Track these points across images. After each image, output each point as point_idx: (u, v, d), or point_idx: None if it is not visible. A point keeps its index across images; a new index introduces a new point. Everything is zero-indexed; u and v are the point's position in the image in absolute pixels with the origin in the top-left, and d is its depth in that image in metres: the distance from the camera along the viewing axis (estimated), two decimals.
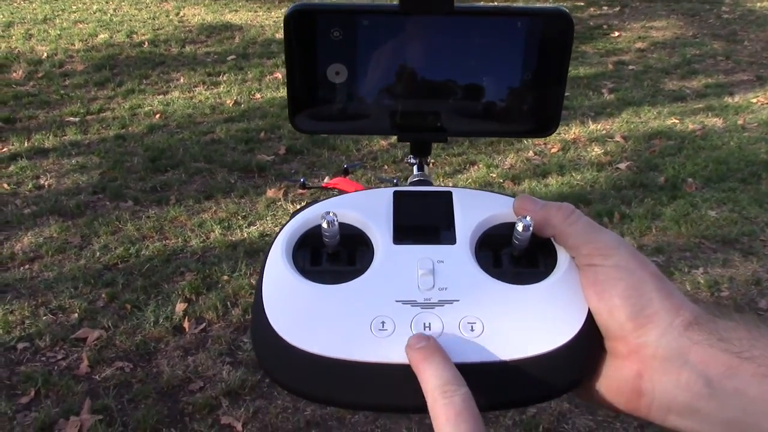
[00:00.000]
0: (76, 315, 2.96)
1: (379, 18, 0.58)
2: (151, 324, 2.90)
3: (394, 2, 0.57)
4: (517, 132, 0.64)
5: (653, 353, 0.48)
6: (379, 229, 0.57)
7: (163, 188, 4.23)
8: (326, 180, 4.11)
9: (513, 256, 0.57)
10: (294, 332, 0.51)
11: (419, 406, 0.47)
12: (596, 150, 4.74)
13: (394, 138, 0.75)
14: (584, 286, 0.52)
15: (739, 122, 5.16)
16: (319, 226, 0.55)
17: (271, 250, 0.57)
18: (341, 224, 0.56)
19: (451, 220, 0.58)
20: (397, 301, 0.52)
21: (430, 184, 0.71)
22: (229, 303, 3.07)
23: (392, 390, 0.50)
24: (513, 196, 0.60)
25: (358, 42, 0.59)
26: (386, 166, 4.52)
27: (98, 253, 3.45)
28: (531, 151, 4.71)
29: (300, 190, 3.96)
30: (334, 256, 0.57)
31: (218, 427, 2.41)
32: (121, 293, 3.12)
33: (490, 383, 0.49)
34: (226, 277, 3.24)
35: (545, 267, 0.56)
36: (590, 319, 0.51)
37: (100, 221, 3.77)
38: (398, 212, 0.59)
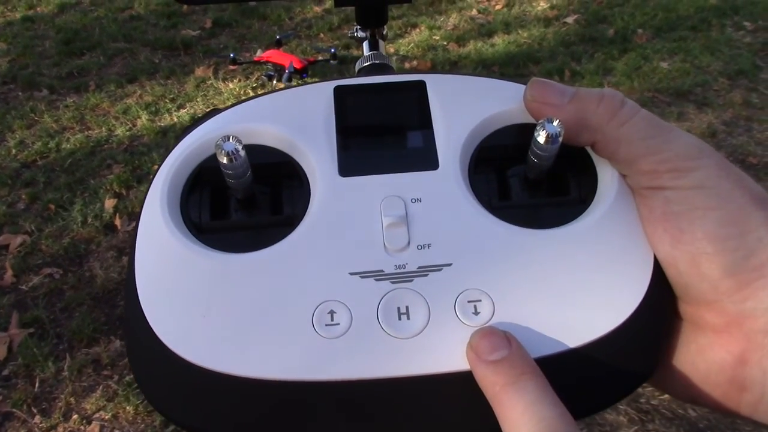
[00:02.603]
0: None
1: None
2: (79, 224, 2.68)
3: None
4: None
5: (765, 327, 0.30)
6: (315, 153, 0.35)
7: (81, 73, 3.88)
8: (258, 53, 3.84)
9: (528, 182, 0.36)
10: (187, 339, 0.30)
11: None
12: (542, 4, 4.49)
13: (329, 2, 0.50)
14: (646, 223, 0.33)
15: None
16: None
17: (147, 196, 0.36)
18: (255, 148, 0.35)
19: (429, 129, 0.36)
20: (352, 274, 0.31)
21: (391, 70, 0.47)
22: None
23: (349, 420, 0.30)
24: (522, 82, 0.36)
25: None
26: (322, 35, 4.22)
27: (14, 150, 3.16)
28: (474, 10, 4.44)
29: (231, 67, 3.69)
30: (247, 202, 0.36)
31: None
32: (43, 193, 2.87)
33: None
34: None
35: (580, 195, 0.35)
36: (658, 276, 0.32)
37: (14, 114, 3.44)
38: (344, 121, 0.36)
